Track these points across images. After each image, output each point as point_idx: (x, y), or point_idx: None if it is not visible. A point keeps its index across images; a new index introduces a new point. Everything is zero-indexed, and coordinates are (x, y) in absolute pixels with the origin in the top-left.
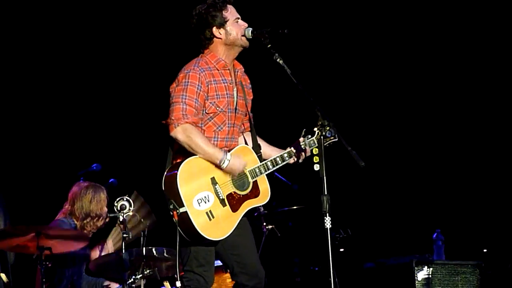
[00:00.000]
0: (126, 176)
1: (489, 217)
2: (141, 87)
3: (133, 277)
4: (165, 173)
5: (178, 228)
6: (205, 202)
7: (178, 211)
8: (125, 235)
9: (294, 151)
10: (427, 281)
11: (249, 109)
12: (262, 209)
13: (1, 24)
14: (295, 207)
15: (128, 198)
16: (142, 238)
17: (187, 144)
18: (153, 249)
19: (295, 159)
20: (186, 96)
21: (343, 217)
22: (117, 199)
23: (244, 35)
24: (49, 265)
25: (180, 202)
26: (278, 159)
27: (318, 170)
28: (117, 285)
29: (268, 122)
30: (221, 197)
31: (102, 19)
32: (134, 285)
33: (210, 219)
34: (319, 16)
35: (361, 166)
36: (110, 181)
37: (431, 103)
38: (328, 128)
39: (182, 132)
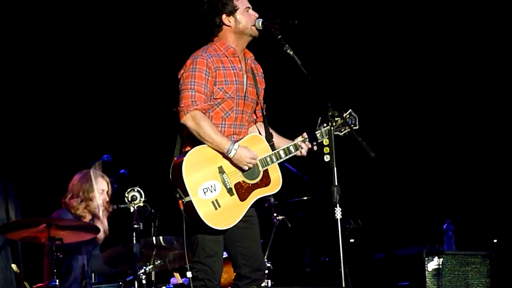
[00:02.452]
0: (137, 166)
1: (499, 208)
2: (151, 77)
3: (144, 268)
4: (173, 161)
5: (184, 216)
6: (211, 191)
7: (183, 200)
8: (135, 226)
9: (308, 139)
10: (437, 271)
11: (261, 98)
12: (272, 199)
13: (7, 24)
14: (305, 198)
15: (139, 189)
16: (152, 227)
17: (196, 131)
18: (161, 238)
19: (309, 147)
20: (195, 83)
21: (353, 207)
22: (128, 190)
23: (254, 25)
24: (60, 255)
25: (185, 191)
26: (291, 147)
27: (329, 161)
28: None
29: (278, 113)
30: (228, 186)
31: (109, 7)
32: (145, 276)
33: (216, 208)
34: (327, 7)
35: (371, 157)
36: (120, 171)
37: (442, 94)
38: (341, 119)
39: (191, 119)
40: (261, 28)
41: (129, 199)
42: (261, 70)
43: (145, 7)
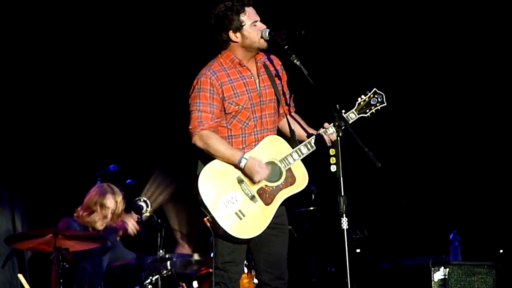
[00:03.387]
0: (144, 177)
1: (505, 218)
2: (159, 88)
3: (151, 277)
4: (193, 180)
5: (213, 233)
6: (233, 203)
7: (208, 217)
8: (141, 236)
9: (328, 129)
10: (444, 281)
11: (285, 90)
12: None
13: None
14: (311, 208)
15: (145, 199)
16: (158, 237)
17: (206, 150)
18: (168, 255)
19: (330, 137)
20: (200, 103)
21: (359, 217)
22: (134, 200)
23: (262, 37)
24: (66, 265)
25: (206, 209)
26: (312, 141)
27: (335, 171)
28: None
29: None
30: (250, 194)
31: (123, 21)
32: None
33: (240, 218)
34: (333, 17)
35: (377, 167)
36: (127, 181)
37: (448, 105)
38: (374, 95)
39: (199, 139)
40: (268, 39)
41: (136, 210)
42: (280, 63)
43: (159, 19)
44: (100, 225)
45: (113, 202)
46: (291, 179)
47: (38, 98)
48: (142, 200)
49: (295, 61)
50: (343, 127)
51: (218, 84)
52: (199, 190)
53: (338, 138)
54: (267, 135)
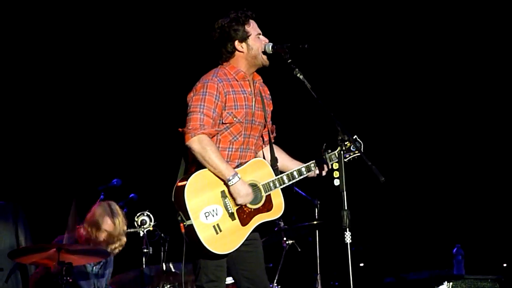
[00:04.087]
0: (147, 191)
1: (508, 232)
2: (161, 103)
3: None
4: (176, 184)
5: (185, 239)
6: (213, 216)
7: (185, 223)
8: (145, 250)
9: (313, 165)
10: None
11: (268, 120)
12: (282, 224)
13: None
14: (315, 222)
15: (149, 213)
16: (162, 252)
17: (201, 155)
18: (171, 265)
19: (316, 173)
20: (204, 106)
21: (363, 232)
22: (137, 214)
23: (264, 51)
24: (70, 280)
25: (186, 214)
26: (295, 173)
27: (338, 185)
28: None
29: (288, 137)
30: (230, 211)
31: (122, 32)
32: None
33: (217, 233)
34: (336, 30)
35: (381, 181)
36: (130, 196)
37: (450, 120)
38: (350, 143)
39: (198, 142)
40: (271, 52)
41: (139, 224)
42: (268, 92)
43: (157, 31)
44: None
45: (111, 224)
46: (268, 206)
47: (42, 113)
48: (145, 214)
49: (298, 75)
50: (348, 141)
51: (224, 92)
52: (185, 195)
53: (342, 152)
54: (250, 155)
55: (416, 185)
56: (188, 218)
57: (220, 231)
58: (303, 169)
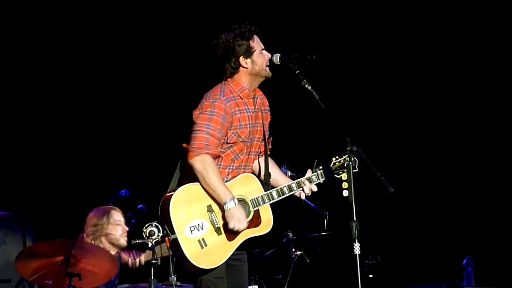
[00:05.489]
0: (155, 201)
1: None
2: (169, 113)
3: None
4: (164, 195)
5: (170, 254)
6: (198, 230)
7: (170, 237)
8: (153, 261)
9: (304, 181)
10: None
11: (266, 131)
12: (291, 235)
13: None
14: (324, 233)
15: (157, 224)
16: (170, 263)
17: (201, 175)
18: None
19: (307, 191)
20: (211, 126)
21: (372, 243)
22: (146, 225)
23: (268, 66)
24: None
25: (171, 228)
26: (285, 189)
27: (347, 196)
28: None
29: (295, 147)
30: (216, 226)
31: (131, 42)
32: None
33: (202, 247)
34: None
35: (390, 192)
36: (138, 206)
37: (460, 131)
38: (351, 159)
39: (201, 161)
40: (279, 63)
41: (147, 234)
42: (267, 104)
43: (165, 45)
44: (125, 243)
45: (121, 215)
46: (256, 221)
47: (51, 124)
48: (153, 225)
49: (306, 85)
50: (351, 157)
51: (231, 113)
52: (170, 208)
53: (350, 164)
54: (248, 171)
55: (425, 196)
56: (173, 232)
57: (206, 245)
58: (294, 185)
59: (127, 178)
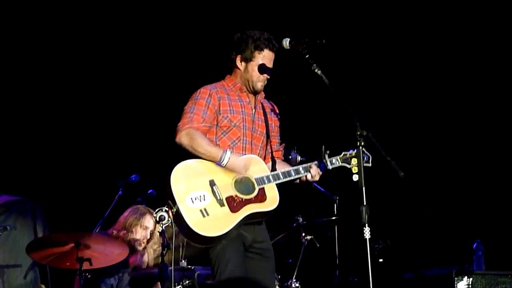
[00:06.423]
0: (163, 184)
1: None
2: (182, 100)
3: None
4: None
5: (174, 226)
6: (200, 201)
7: (172, 209)
8: (164, 246)
9: (312, 166)
10: None
11: (274, 134)
12: (301, 219)
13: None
14: (334, 218)
15: (167, 209)
16: (181, 248)
17: (190, 146)
18: (194, 268)
19: (314, 175)
20: (195, 107)
21: (382, 227)
22: (156, 210)
23: (261, 83)
24: (89, 276)
25: (173, 200)
26: (292, 171)
27: (357, 181)
28: None
29: (305, 132)
30: (219, 198)
31: (143, 31)
32: None
33: (203, 216)
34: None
35: (400, 176)
36: (148, 191)
37: (471, 114)
38: (363, 152)
39: (185, 135)
40: (289, 48)
41: (157, 219)
42: (277, 109)
43: (174, 43)
44: (139, 246)
45: (152, 222)
46: (261, 198)
47: (60, 110)
48: (164, 210)
49: (316, 70)
50: (365, 136)
51: (216, 98)
52: (171, 181)
53: (360, 148)
54: None
55: (435, 180)
56: (175, 203)
57: (208, 214)
58: (301, 169)
59: (137, 163)
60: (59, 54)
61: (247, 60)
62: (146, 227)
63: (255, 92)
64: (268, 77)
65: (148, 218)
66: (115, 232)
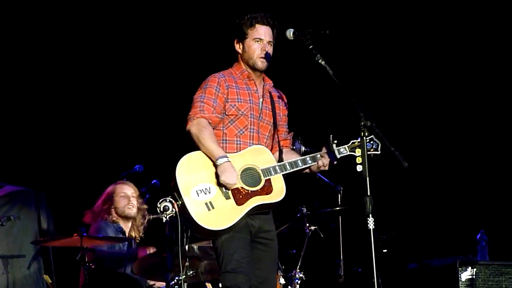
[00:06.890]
0: (169, 177)
1: None
2: (188, 91)
3: (176, 278)
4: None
5: (179, 219)
6: (205, 194)
7: (178, 202)
8: (167, 236)
9: (319, 156)
10: (471, 282)
11: (282, 123)
12: (305, 210)
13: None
14: (338, 208)
15: (171, 199)
16: (184, 238)
17: (196, 136)
18: (195, 247)
19: (323, 164)
20: (205, 96)
21: (386, 218)
22: (160, 200)
23: (264, 58)
24: (92, 266)
25: (178, 192)
26: (299, 161)
27: (361, 171)
28: (162, 284)
29: (309, 123)
30: (224, 190)
31: (147, 30)
32: (177, 286)
33: (209, 209)
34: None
35: (404, 167)
36: (152, 182)
37: (474, 105)
38: (372, 140)
39: (196, 125)
40: (292, 38)
41: (161, 210)
42: (285, 98)
43: (182, 31)
44: (131, 212)
45: (128, 187)
46: (268, 189)
47: (64, 100)
48: (168, 200)
49: (320, 60)
50: (370, 137)
51: (225, 86)
52: (176, 174)
53: (364, 138)
54: None
55: (440, 170)
56: (180, 196)
57: (213, 208)
58: (308, 159)
59: (141, 153)
60: (62, 47)
61: (242, 39)
62: (124, 194)
63: (259, 71)
64: (268, 50)
65: (123, 185)
66: (100, 207)
